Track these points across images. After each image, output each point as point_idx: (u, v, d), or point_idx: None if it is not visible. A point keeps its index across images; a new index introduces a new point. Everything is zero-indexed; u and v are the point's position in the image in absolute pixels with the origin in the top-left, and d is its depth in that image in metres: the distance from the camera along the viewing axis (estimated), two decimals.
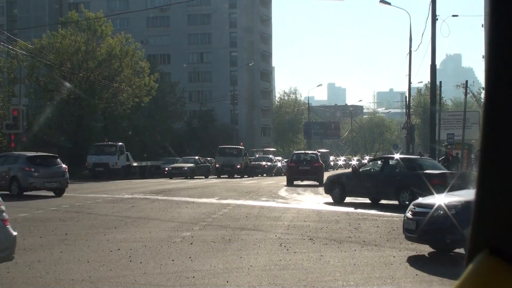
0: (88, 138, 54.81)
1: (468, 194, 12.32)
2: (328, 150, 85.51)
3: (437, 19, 31.30)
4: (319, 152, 52.42)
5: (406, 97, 57.50)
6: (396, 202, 21.95)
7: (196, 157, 54.25)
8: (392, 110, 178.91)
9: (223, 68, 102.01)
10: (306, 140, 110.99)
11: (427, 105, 55.92)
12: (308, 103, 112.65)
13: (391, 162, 23.75)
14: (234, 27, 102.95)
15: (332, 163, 78.64)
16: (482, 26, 62.05)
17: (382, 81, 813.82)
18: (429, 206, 11.63)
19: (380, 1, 43.14)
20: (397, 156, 25.32)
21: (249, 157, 59.46)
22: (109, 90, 56.74)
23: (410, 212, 11.96)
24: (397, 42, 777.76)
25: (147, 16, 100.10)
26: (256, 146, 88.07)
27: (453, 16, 42.37)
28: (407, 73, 48.48)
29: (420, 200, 12.71)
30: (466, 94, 50.17)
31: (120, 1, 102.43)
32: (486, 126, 1.11)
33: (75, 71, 54.77)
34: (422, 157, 39.76)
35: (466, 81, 51.46)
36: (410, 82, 48.36)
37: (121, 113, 59.06)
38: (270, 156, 66.44)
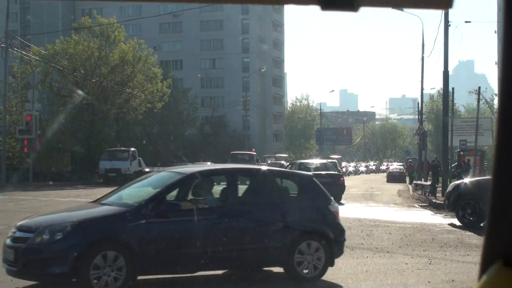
0: (100, 144, 54.91)
1: (86, 208, 10.42)
2: (340, 156, 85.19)
3: (449, 25, 31.12)
4: (333, 158, 53.34)
5: (418, 103, 57.31)
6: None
7: (209, 163, 54.12)
8: (405, 116, 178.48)
9: (235, 74, 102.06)
10: (318, 146, 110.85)
11: (440, 111, 55.69)
12: (320, 109, 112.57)
13: (300, 166, 30.38)
14: (246, 33, 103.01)
15: (344, 169, 78.63)
16: (495, 32, 61.92)
17: (395, 87, 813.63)
18: (32, 230, 8.88)
19: (392, 7, 43.00)
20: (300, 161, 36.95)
21: (261, 163, 59.37)
22: (121, 96, 56.89)
23: (10, 238, 9.12)
24: (410, 48, 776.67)
25: (159, 22, 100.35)
26: (268, 152, 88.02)
27: (466, 22, 42.18)
28: (420, 79, 48.38)
29: (24, 221, 9.54)
30: (478, 100, 49.95)
31: (133, 7, 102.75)
32: (501, 133, 1.10)
33: (88, 76, 54.95)
34: (434, 162, 39.91)
35: (479, 87, 51.24)
36: (422, 88, 48.17)
37: (133, 119, 59.19)
38: (282, 162, 66.35)
